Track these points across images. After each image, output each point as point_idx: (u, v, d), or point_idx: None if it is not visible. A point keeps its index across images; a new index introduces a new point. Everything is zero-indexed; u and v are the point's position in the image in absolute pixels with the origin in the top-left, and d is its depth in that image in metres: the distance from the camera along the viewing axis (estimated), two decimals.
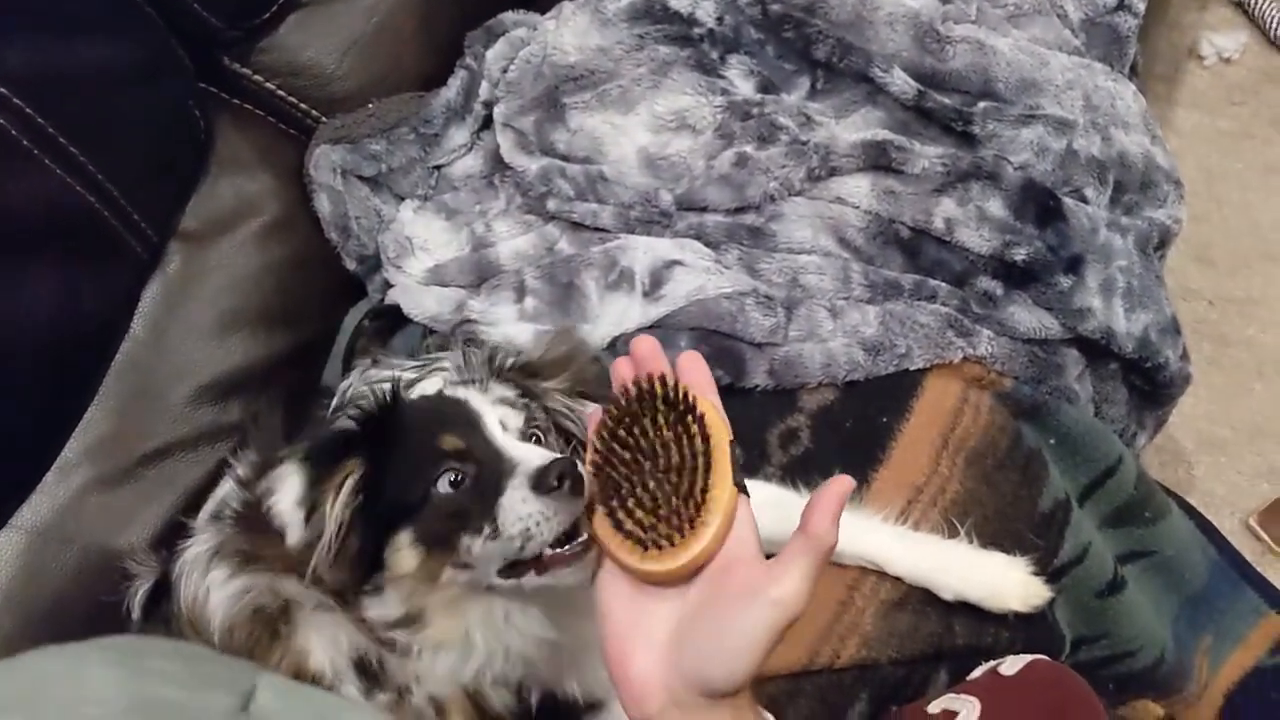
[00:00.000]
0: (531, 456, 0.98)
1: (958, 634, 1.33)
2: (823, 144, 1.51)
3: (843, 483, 0.86)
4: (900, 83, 1.54)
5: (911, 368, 1.44)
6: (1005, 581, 1.33)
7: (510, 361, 1.15)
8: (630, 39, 1.61)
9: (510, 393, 1.09)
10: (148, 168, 1.43)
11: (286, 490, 1.03)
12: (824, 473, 1.35)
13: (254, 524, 1.29)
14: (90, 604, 1.31)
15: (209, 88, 1.58)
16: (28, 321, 1.28)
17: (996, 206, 1.50)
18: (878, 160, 1.51)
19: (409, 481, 1.01)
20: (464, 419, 1.04)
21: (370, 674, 1.21)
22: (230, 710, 0.57)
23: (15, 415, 1.31)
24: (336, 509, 1.01)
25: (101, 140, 1.33)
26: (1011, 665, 1.27)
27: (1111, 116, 1.59)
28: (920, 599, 1.33)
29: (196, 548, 1.28)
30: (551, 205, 1.57)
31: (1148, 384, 1.60)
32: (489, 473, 0.99)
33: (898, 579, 1.33)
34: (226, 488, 1.35)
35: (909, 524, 1.36)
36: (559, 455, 0.96)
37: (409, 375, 1.23)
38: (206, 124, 1.54)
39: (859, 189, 1.52)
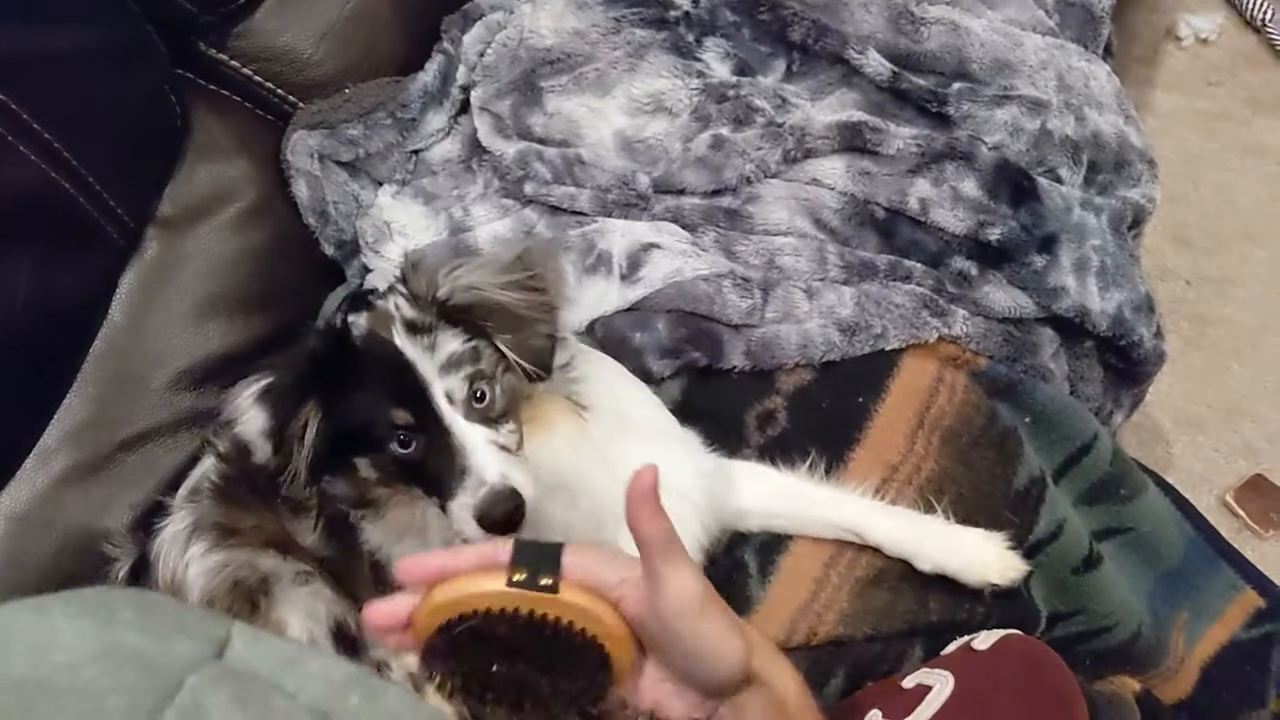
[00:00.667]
0: (482, 468, 1.02)
1: (933, 610, 1.34)
2: (798, 126, 1.52)
3: (645, 475, 0.83)
4: (875, 64, 1.55)
5: (887, 348, 1.45)
6: (983, 554, 1.34)
7: (457, 296, 1.11)
8: (607, 22, 1.61)
9: (458, 344, 1.07)
10: (124, 154, 1.43)
11: (250, 422, 1.08)
12: (801, 453, 1.38)
13: (232, 497, 1.30)
14: (70, 589, 1.31)
15: (185, 74, 1.57)
16: (4, 309, 1.28)
17: (971, 187, 1.50)
18: (853, 141, 1.51)
19: (364, 433, 1.08)
20: (412, 390, 1.06)
21: (349, 644, 1.23)
22: (201, 658, 0.57)
23: None
24: (302, 448, 1.07)
25: (78, 127, 1.33)
26: (985, 640, 1.28)
27: (1085, 96, 1.60)
28: (896, 576, 1.34)
29: (175, 525, 1.30)
30: (529, 189, 1.57)
31: (1123, 362, 1.61)
32: (439, 446, 1.05)
33: (873, 556, 1.35)
34: (205, 465, 1.36)
35: (885, 502, 1.36)
36: (502, 487, 1.01)
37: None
38: (183, 110, 1.54)
39: (834, 170, 1.52)
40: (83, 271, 1.39)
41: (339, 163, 1.63)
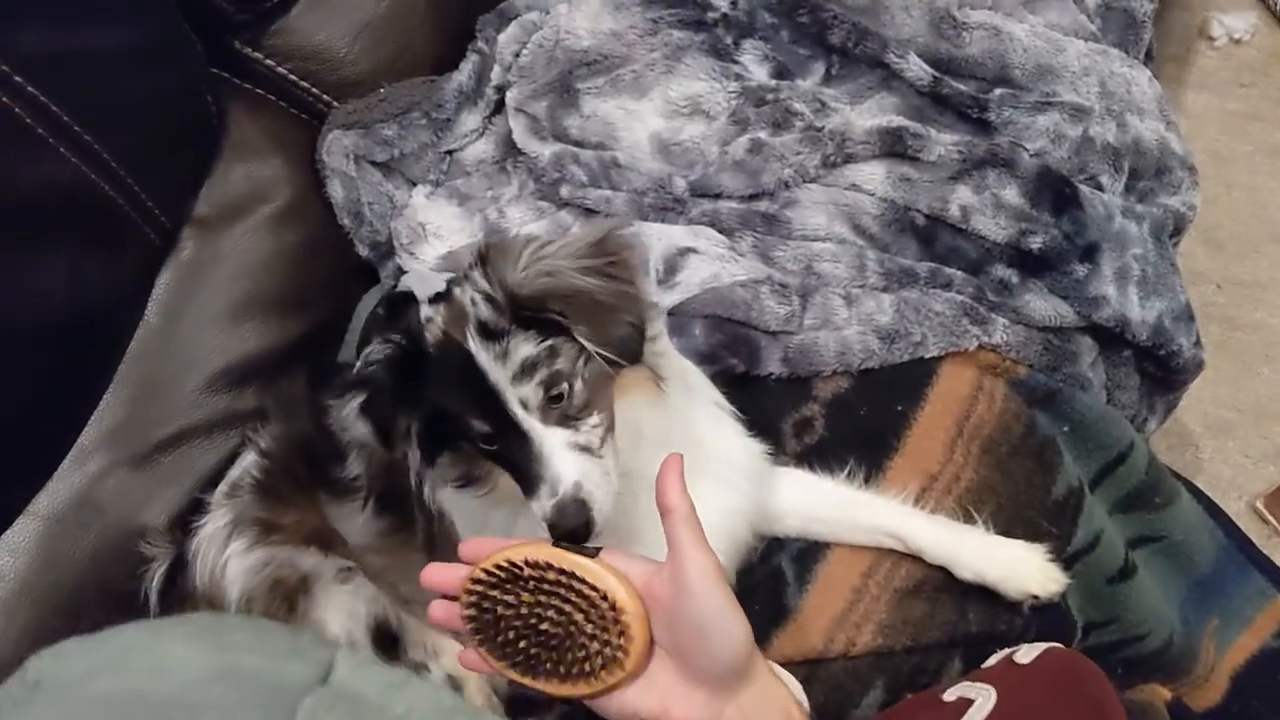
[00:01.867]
0: (556, 478, 1.02)
1: (972, 621, 1.33)
2: (838, 130, 1.51)
3: (674, 458, 0.97)
4: (916, 69, 1.53)
5: (926, 356, 1.44)
6: (1023, 566, 1.33)
7: (532, 286, 1.07)
8: (644, 23, 1.60)
9: (532, 348, 1.04)
10: (161, 153, 1.43)
11: (360, 431, 1.12)
12: (839, 462, 1.38)
13: (274, 491, 1.30)
14: (107, 590, 1.32)
15: (221, 73, 1.57)
16: (42, 309, 1.28)
17: (1012, 194, 1.49)
18: (893, 147, 1.50)
19: (452, 436, 1.09)
20: (488, 398, 1.04)
21: (388, 645, 1.22)
22: (311, 680, 0.59)
23: (31, 402, 1.31)
24: (410, 446, 1.10)
25: (114, 125, 1.32)
26: (1027, 653, 1.27)
27: (1127, 103, 1.59)
28: (935, 586, 1.33)
29: (214, 523, 1.30)
30: (565, 191, 1.56)
31: (1160, 370, 1.60)
32: (520, 449, 1.05)
33: (912, 566, 1.34)
34: (246, 462, 1.36)
35: (925, 512, 1.35)
36: (573, 499, 1.02)
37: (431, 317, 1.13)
38: (219, 109, 1.53)
39: (874, 176, 1.51)
40: (118, 271, 1.39)
41: (374, 163, 1.62)
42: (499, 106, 1.67)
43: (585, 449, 1.05)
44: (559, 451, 1.03)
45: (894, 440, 1.40)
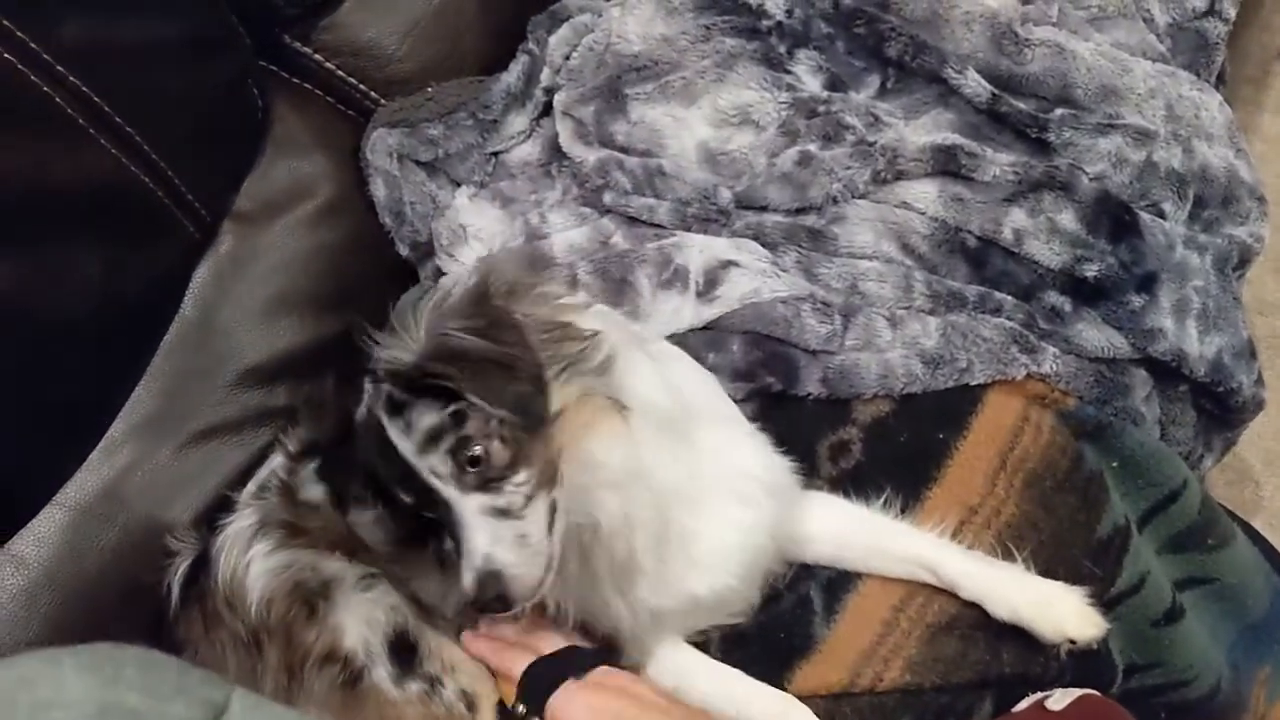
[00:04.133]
0: (471, 552, 1.02)
1: (1006, 662, 1.29)
2: (890, 146, 1.47)
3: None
4: (974, 85, 1.49)
5: (972, 383, 1.40)
6: (1062, 608, 1.28)
7: (422, 356, 1.07)
8: (696, 29, 1.57)
9: (434, 417, 1.03)
10: (203, 146, 1.42)
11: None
12: (875, 488, 1.34)
13: (300, 495, 1.29)
14: (130, 582, 1.32)
15: (268, 66, 1.57)
16: (78, 299, 1.28)
17: (1069, 219, 1.45)
18: (947, 165, 1.46)
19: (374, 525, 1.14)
20: (405, 472, 1.05)
21: (405, 655, 1.21)
22: None
23: (64, 392, 1.31)
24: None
25: (156, 117, 1.32)
26: (1060, 699, 1.24)
27: (1195, 128, 1.54)
28: (969, 624, 1.29)
29: (240, 522, 1.30)
30: (608, 198, 1.54)
31: (1218, 408, 1.54)
32: (446, 516, 1.05)
33: (946, 602, 1.30)
34: (274, 463, 1.35)
35: (963, 546, 1.31)
36: (486, 573, 1.01)
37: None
38: (265, 103, 1.53)
39: (926, 194, 1.47)
40: (157, 264, 1.39)
41: (418, 162, 1.61)
42: (547, 109, 1.65)
43: (504, 512, 1.03)
44: (472, 520, 1.03)
45: (934, 469, 1.36)
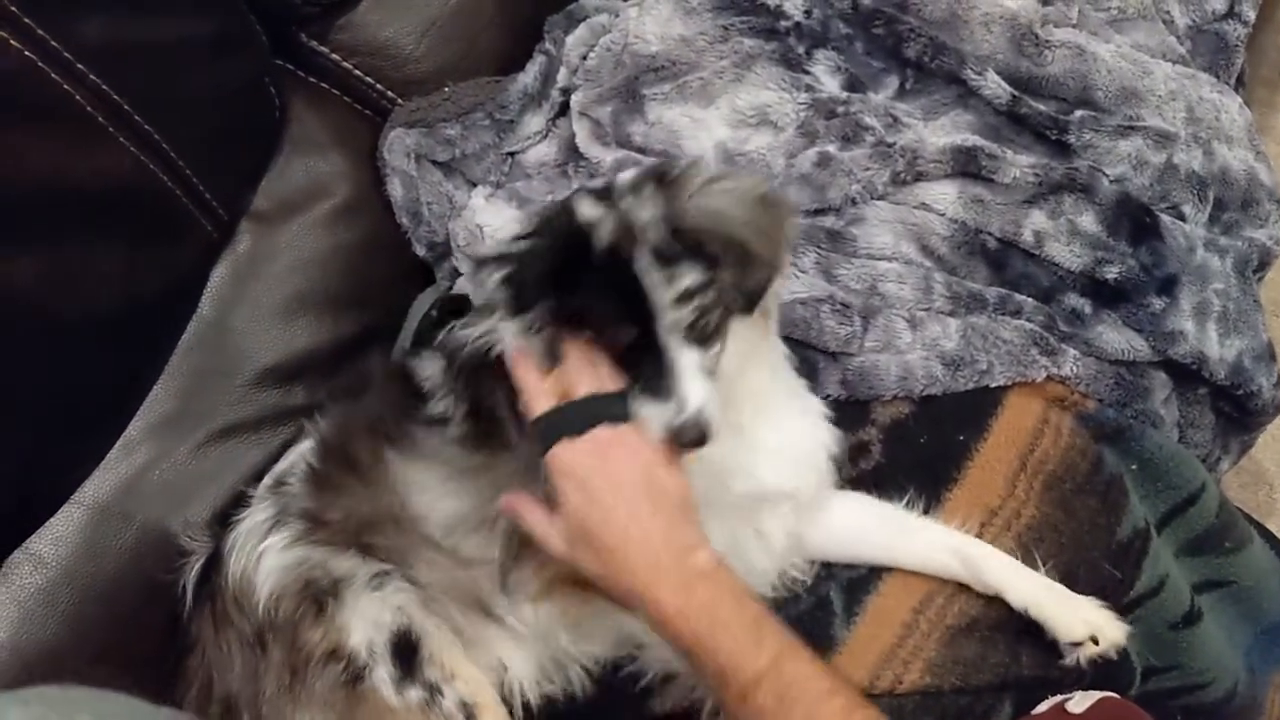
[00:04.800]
0: (686, 397, 1.09)
1: (1025, 664, 1.29)
2: (909, 147, 1.46)
3: None
4: (994, 86, 1.48)
5: (992, 385, 1.39)
6: (1082, 607, 1.28)
7: (702, 223, 1.12)
8: (714, 30, 1.57)
9: (695, 277, 1.09)
10: (221, 146, 1.42)
11: (490, 293, 1.17)
12: (895, 489, 1.34)
13: (327, 479, 1.29)
14: (147, 581, 1.32)
15: (285, 65, 1.56)
16: (98, 297, 1.28)
17: (1089, 221, 1.44)
18: (966, 167, 1.45)
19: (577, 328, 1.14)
20: (643, 313, 1.09)
21: (406, 658, 1.21)
22: None
23: (82, 391, 1.30)
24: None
25: (175, 116, 1.32)
26: (1080, 702, 1.23)
27: (1215, 130, 1.53)
28: (989, 625, 1.29)
29: (255, 516, 1.30)
30: None
31: (1237, 410, 1.54)
32: (654, 361, 1.10)
33: (966, 604, 1.30)
34: (298, 452, 1.35)
35: None
36: (697, 420, 1.09)
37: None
38: (281, 102, 1.52)
39: (945, 196, 1.47)
40: (174, 263, 1.39)
41: (435, 162, 1.60)
42: (563, 109, 1.64)
43: (709, 374, 1.11)
44: (691, 372, 1.09)
45: (954, 471, 1.36)
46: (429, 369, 1.32)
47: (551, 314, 1.12)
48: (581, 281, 1.11)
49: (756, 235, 1.14)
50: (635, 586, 1.07)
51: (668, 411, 1.09)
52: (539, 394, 1.14)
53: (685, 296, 1.08)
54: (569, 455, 1.10)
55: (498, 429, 1.25)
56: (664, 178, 1.14)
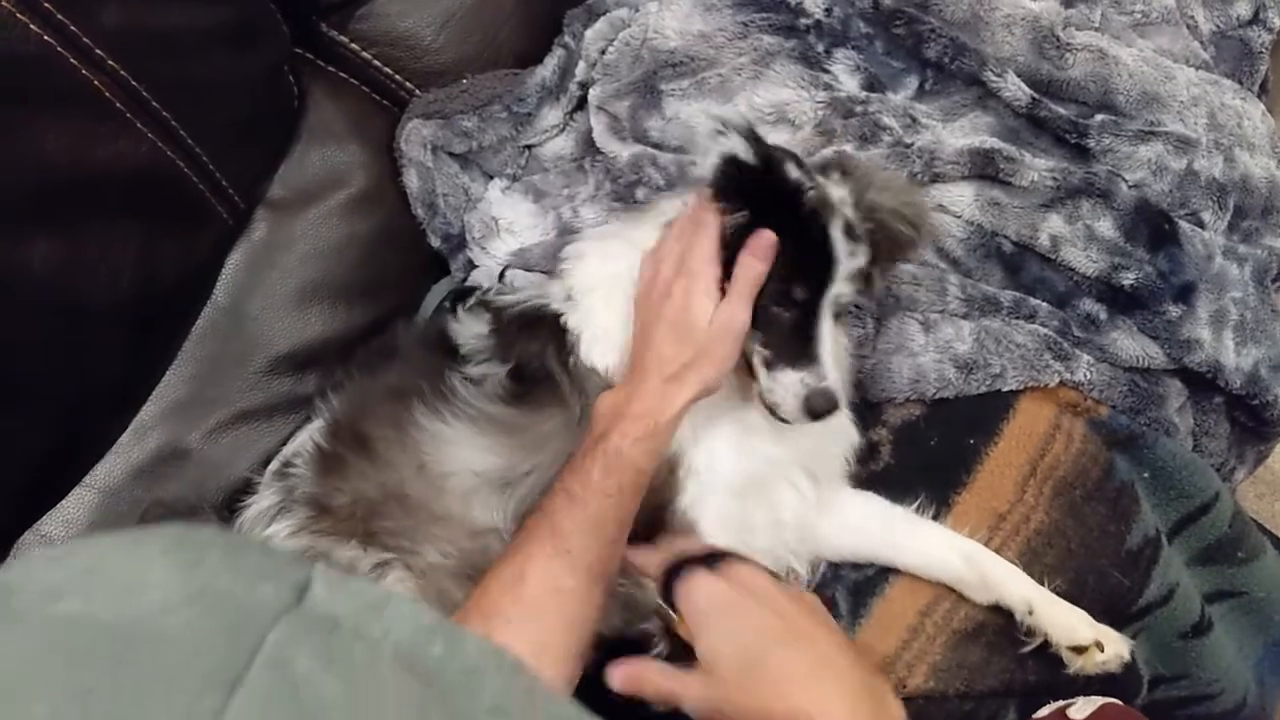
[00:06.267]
0: (826, 368, 1.17)
1: (1030, 670, 1.28)
2: (927, 148, 1.45)
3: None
4: (1013, 89, 1.47)
5: (1004, 389, 1.38)
6: (1084, 619, 1.27)
7: (877, 215, 1.24)
8: (734, 26, 1.56)
9: (862, 259, 1.19)
10: (238, 133, 1.42)
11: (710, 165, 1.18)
12: (904, 491, 1.33)
13: (336, 460, 1.29)
14: None
15: (305, 54, 1.56)
16: (114, 282, 1.28)
17: (1107, 226, 1.43)
18: (984, 169, 1.44)
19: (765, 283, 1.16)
20: (820, 278, 1.18)
21: None
22: (283, 604, 0.56)
23: (96, 374, 1.31)
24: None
25: (193, 103, 1.32)
26: (1082, 708, 1.22)
27: (1237, 137, 1.51)
28: (995, 631, 1.29)
29: (260, 504, 1.30)
30: (641, 194, 1.52)
31: (1253, 420, 1.52)
32: (803, 327, 1.18)
33: (972, 609, 1.29)
34: (304, 435, 1.35)
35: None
36: (832, 391, 1.17)
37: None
38: (300, 91, 1.53)
39: (962, 198, 1.46)
40: (191, 250, 1.39)
41: (451, 154, 1.60)
42: (581, 103, 1.63)
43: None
44: (831, 345, 1.18)
45: (963, 474, 1.35)
46: (469, 330, 1.34)
47: (746, 224, 1.16)
48: (781, 227, 1.16)
49: (922, 235, 1.29)
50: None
51: (808, 377, 1.16)
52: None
53: (853, 275, 1.19)
54: (704, 584, 1.03)
55: (541, 389, 1.27)
56: (844, 167, 1.26)
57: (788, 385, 1.17)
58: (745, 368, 1.21)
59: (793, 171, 1.18)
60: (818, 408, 1.16)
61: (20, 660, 0.51)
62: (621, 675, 1.02)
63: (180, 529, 0.63)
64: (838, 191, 1.20)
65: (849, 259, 1.17)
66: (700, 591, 1.01)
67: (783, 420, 1.19)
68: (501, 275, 1.55)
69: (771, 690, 0.94)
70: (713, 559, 1.05)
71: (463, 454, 1.26)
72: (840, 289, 1.18)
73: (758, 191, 1.16)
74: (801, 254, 1.17)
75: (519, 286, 1.46)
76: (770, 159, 1.18)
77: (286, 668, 0.52)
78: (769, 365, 1.18)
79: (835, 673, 0.95)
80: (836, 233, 1.17)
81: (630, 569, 1.15)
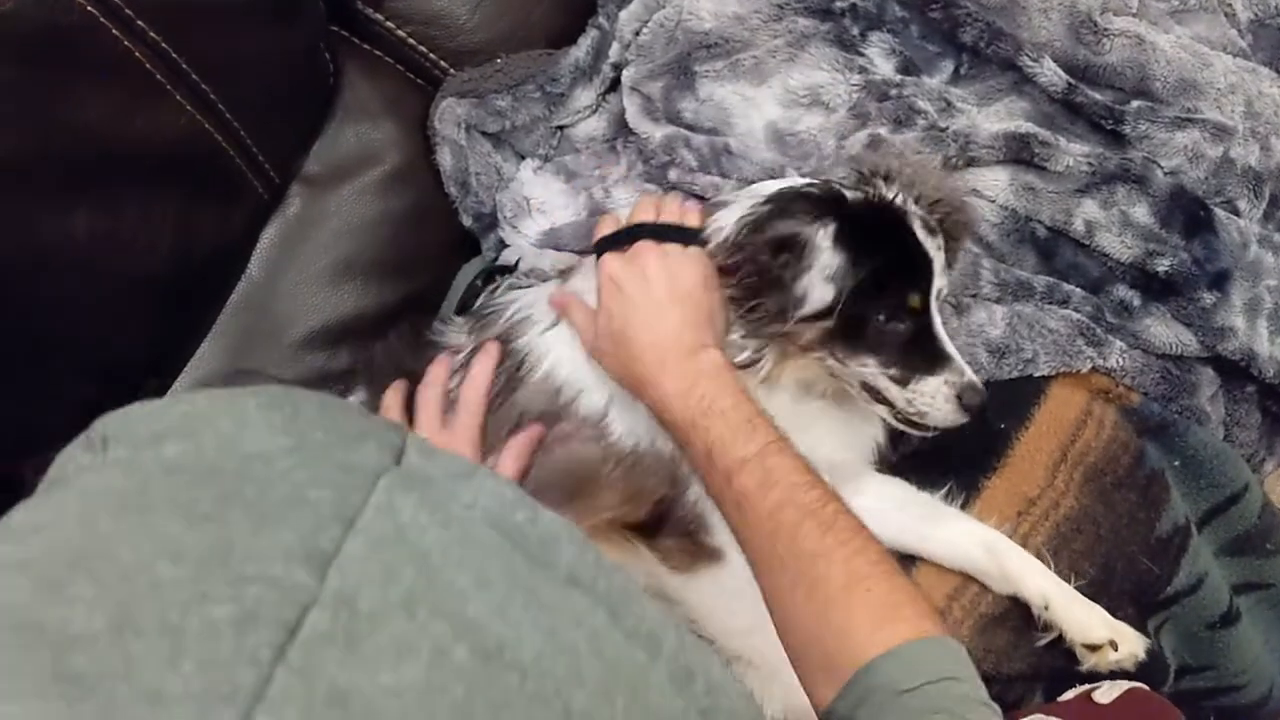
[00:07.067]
0: (962, 362, 1.21)
1: (1057, 655, 1.28)
2: (962, 132, 1.45)
3: None
4: (1050, 74, 1.46)
5: (1036, 374, 1.38)
6: (1099, 614, 1.27)
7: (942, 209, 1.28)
8: (769, 8, 1.55)
9: (943, 251, 1.23)
10: (276, 109, 1.43)
11: (824, 262, 1.16)
12: (934, 474, 1.33)
13: None
14: None
15: (340, 31, 1.57)
16: (151, 253, 1.30)
17: (1142, 212, 1.42)
18: (1019, 154, 1.44)
19: (870, 298, 1.18)
20: (925, 280, 1.21)
21: None
22: (384, 462, 0.60)
23: (132, 345, 1.33)
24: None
25: (231, 78, 1.33)
26: (1107, 692, 1.22)
27: (1274, 125, 1.50)
28: (1021, 615, 1.29)
29: None
30: (673, 175, 1.52)
31: None
32: (922, 333, 1.21)
33: (998, 594, 1.29)
34: None
35: (1018, 537, 1.31)
36: (978, 382, 1.21)
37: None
38: (336, 68, 1.53)
39: (997, 182, 1.45)
40: (226, 223, 1.40)
41: (485, 133, 1.60)
42: (614, 84, 1.63)
43: None
44: (950, 340, 1.21)
45: (993, 459, 1.35)
46: (454, 338, 1.39)
47: (872, 276, 1.17)
48: (876, 251, 1.18)
49: (970, 215, 1.33)
50: (644, 373, 1.17)
51: (950, 376, 1.19)
52: (604, 228, 1.30)
53: (946, 266, 1.22)
54: (611, 263, 1.24)
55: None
56: (889, 171, 1.26)
57: (934, 391, 1.19)
58: (752, 357, 1.23)
59: (860, 192, 1.23)
60: (973, 403, 1.19)
61: (137, 491, 0.55)
62: (556, 298, 1.32)
63: (275, 387, 0.65)
64: (895, 194, 1.23)
65: (938, 253, 1.21)
66: (605, 268, 1.24)
67: (931, 430, 1.22)
68: (515, 268, 1.55)
69: (626, 356, 1.19)
70: (627, 238, 1.25)
71: None
72: (940, 283, 1.21)
73: (843, 212, 1.19)
74: (901, 264, 1.20)
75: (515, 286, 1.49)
76: (832, 189, 1.23)
77: (395, 514, 0.57)
78: (902, 382, 1.20)
79: (676, 352, 1.17)
80: (921, 233, 1.21)
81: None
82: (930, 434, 1.23)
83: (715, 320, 1.21)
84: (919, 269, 1.20)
